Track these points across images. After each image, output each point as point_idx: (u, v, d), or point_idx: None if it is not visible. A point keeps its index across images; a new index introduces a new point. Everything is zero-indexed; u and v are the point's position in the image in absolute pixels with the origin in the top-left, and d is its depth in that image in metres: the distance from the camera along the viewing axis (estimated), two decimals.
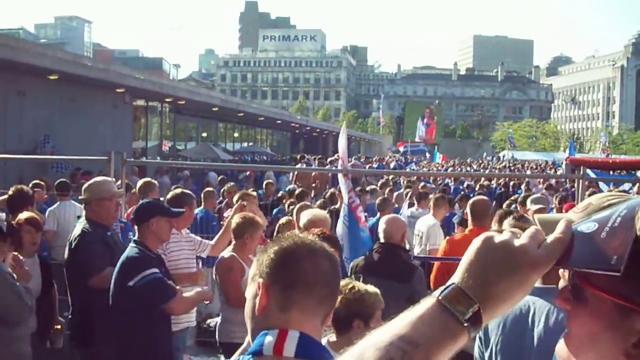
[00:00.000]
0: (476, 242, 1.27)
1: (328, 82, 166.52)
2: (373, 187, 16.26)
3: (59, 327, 6.44)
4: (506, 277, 1.21)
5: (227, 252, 6.36)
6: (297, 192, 12.57)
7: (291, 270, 2.06)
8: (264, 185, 16.87)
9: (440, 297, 1.22)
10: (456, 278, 1.24)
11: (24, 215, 6.42)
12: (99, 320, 5.60)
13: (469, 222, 7.48)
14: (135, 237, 5.55)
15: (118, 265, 5.28)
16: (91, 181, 6.45)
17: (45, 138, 21.22)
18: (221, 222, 11.57)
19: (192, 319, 6.72)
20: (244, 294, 2.25)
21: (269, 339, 1.98)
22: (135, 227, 5.72)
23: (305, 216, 6.62)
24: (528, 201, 9.49)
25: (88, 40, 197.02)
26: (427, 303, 1.24)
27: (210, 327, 8.87)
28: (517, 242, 1.22)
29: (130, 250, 5.37)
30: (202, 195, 11.65)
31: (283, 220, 7.57)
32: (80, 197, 6.66)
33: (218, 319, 8.71)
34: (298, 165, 24.54)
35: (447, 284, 1.26)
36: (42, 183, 11.30)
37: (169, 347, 5.55)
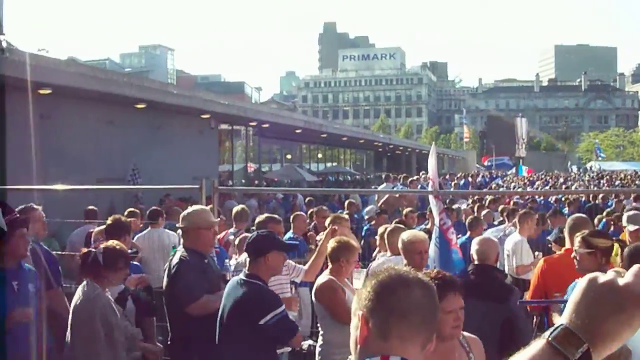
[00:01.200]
0: (581, 283, 1.35)
1: (409, 99, 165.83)
2: (458, 205, 16.00)
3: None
4: (613, 316, 1.28)
5: (324, 277, 6.37)
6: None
7: (386, 300, 2.18)
8: (345, 205, 16.77)
9: (550, 338, 1.31)
10: (564, 319, 1.33)
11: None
12: (197, 348, 5.64)
13: (566, 240, 7.25)
14: (248, 270, 5.53)
15: (242, 301, 5.31)
16: (189, 210, 6.51)
17: (135, 169, 21.56)
18: (310, 246, 11.56)
19: None
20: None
21: None
22: (247, 259, 5.68)
23: (405, 236, 6.61)
24: (624, 218, 9.12)
25: (171, 68, 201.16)
26: (537, 344, 1.32)
27: (303, 349, 8.88)
28: (621, 281, 1.29)
29: (253, 286, 5.37)
30: (291, 219, 11.59)
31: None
32: (177, 225, 6.74)
33: (309, 342, 8.73)
34: (383, 185, 24.41)
35: (556, 325, 1.34)
36: (137, 212, 11.48)
37: None
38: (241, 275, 5.48)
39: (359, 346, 2.18)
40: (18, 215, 5.20)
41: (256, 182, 39.21)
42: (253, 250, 5.56)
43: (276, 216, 7.27)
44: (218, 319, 5.41)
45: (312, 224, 12.69)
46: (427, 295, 2.25)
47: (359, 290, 2.31)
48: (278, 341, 5.46)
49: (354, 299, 2.30)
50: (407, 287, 2.21)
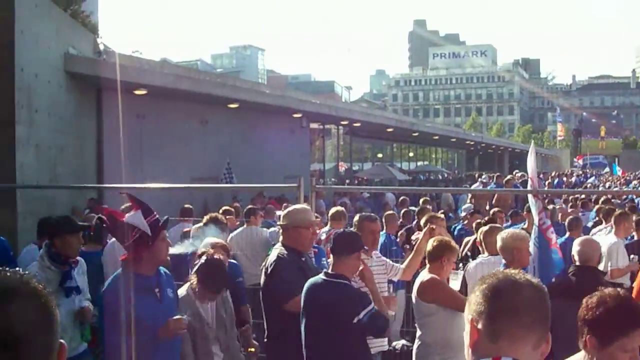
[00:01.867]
0: None
1: (501, 97, 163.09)
2: (553, 205, 15.53)
3: (252, 349, 6.68)
4: None
5: (426, 275, 6.32)
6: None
7: (495, 302, 2.15)
8: (420, 202, 16.48)
9: None
10: None
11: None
12: (293, 345, 5.60)
13: None
14: (332, 270, 5.52)
15: (334, 300, 5.32)
16: (290, 208, 6.51)
17: (228, 168, 21.74)
18: (405, 246, 11.36)
19: (385, 343, 6.74)
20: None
21: None
22: (331, 256, 5.74)
23: (504, 235, 6.60)
24: None
25: (262, 68, 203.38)
26: None
27: (396, 349, 8.83)
28: None
29: (342, 286, 5.40)
30: (383, 219, 11.39)
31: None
32: (278, 223, 6.71)
33: (403, 342, 8.58)
34: (476, 184, 23.98)
35: None
36: (233, 210, 11.50)
37: None
38: (322, 275, 5.48)
39: (470, 350, 2.20)
40: (157, 216, 4.90)
41: (347, 181, 39.18)
42: (340, 250, 5.52)
43: (372, 215, 7.11)
44: (303, 319, 5.40)
45: (414, 222, 12.51)
46: (538, 296, 2.20)
47: (469, 296, 2.29)
48: (371, 334, 5.59)
49: (466, 305, 2.29)
50: (517, 288, 2.18)
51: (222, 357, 5.86)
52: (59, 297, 5.37)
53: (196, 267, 5.66)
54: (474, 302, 2.21)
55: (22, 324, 1.50)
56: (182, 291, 5.74)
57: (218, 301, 5.90)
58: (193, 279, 5.68)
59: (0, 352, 1.48)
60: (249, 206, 11.87)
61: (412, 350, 6.62)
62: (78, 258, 6.31)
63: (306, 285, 5.52)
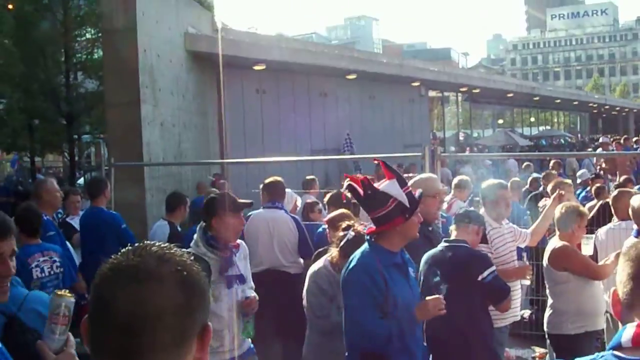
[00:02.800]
0: None
1: (624, 56, 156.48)
2: None
3: None
4: None
5: (557, 242, 6.26)
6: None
7: (629, 269, 2.07)
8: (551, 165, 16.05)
9: None
10: None
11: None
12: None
13: None
14: (456, 237, 5.67)
15: (459, 259, 5.38)
16: (417, 177, 6.43)
17: (347, 139, 21.77)
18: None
19: (517, 313, 6.63)
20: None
21: (627, 333, 1.99)
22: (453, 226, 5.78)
23: (637, 200, 6.31)
24: None
25: (377, 37, 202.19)
26: None
27: (524, 318, 8.69)
28: None
29: (465, 247, 5.52)
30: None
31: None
32: None
33: (529, 310, 8.38)
34: (600, 150, 23.11)
35: None
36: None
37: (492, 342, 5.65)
38: (444, 243, 5.57)
39: (617, 320, 2.14)
40: (410, 188, 4.44)
41: (467, 148, 38.62)
42: (463, 218, 5.69)
43: (503, 182, 6.92)
44: (420, 284, 5.24)
45: (540, 188, 12.22)
46: None
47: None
48: (492, 299, 5.48)
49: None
50: None
51: None
52: (218, 287, 4.97)
53: (343, 242, 5.33)
54: (618, 275, 2.14)
55: (148, 309, 1.45)
56: (318, 265, 5.73)
57: None
58: (334, 252, 5.49)
59: (124, 335, 1.45)
60: (365, 176, 11.81)
61: (539, 318, 6.55)
62: (239, 241, 5.44)
63: (425, 256, 5.54)
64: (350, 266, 4.36)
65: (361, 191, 4.31)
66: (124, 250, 1.58)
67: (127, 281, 1.48)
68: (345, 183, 4.48)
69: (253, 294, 5.35)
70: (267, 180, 7.87)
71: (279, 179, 7.84)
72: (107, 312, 1.47)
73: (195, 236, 5.22)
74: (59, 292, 2.60)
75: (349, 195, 5.55)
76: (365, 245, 4.39)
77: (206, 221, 5.17)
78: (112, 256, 1.57)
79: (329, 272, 5.54)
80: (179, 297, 1.48)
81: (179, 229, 8.49)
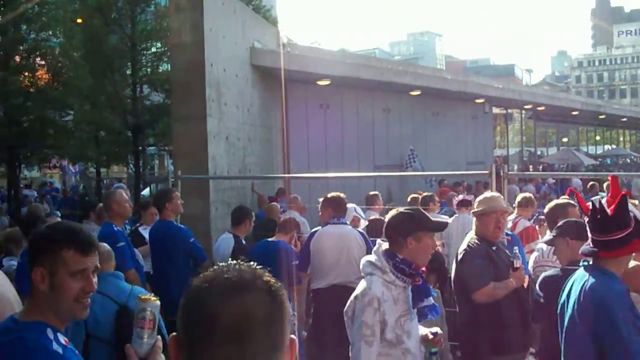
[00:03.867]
0: None
1: None
2: None
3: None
4: None
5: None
6: None
7: None
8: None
9: None
10: None
11: None
12: (485, 333, 5.57)
13: None
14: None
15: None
16: (482, 196, 6.35)
17: (411, 154, 21.68)
18: None
19: None
20: None
21: None
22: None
23: None
24: None
25: (440, 53, 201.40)
26: None
27: None
28: None
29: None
30: None
31: None
32: (472, 211, 6.56)
33: None
34: None
35: None
36: (418, 197, 11.37)
37: None
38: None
39: None
40: None
41: (530, 166, 38.12)
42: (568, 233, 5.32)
43: (572, 201, 6.76)
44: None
45: None
46: None
47: None
48: None
49: None
50: None
51: None
52: (408, 321, 4.29)
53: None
54: None
55: (253, 317, 1.52)
56: None
57: None
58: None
59: (232, 343, 1.50)
60: (425, 193, 11.67)
61: None
62: None
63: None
64: (599, 295, 3.86)
65: (610, 209, 3.89)
66: (214, 267, 1.63)
67: (231, 293, 1.54)
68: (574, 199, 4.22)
69: (436, 327, 4.61)
70: (329, 195, 7.79)
71: (341, 194, 7.78)
72: (214, 324, 1.51)
73: (370, 259, 4.48)
74: (143, 297, 2.61)
75: None
76: (593, 270, 4.01)
77: (395, 241, 4.41)
78: (202, 273, 1.62)
79: None
80: (273, 307, 1.56)
81: (244, 242, 8.51)
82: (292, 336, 1.62)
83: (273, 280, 1.61)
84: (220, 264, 1.64)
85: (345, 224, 7.63)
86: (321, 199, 7.86)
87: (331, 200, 7.72)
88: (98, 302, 4.95)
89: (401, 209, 4.63)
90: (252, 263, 1.65)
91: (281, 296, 1.59)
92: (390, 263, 4.33)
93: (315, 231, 7.57)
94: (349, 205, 8.57)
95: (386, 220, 4.57)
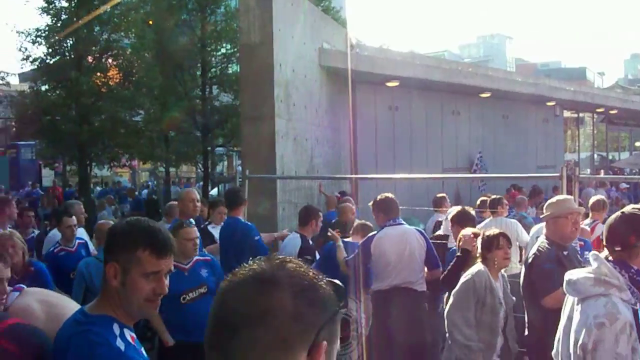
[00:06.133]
0: None
1: None
2: None
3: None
4: None
5: None
6: None
7: None
8: None
9: None
10: None
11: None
12: (552, 340, 5.34)
13: None
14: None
15: None
16: (553, 199, 6.15)
17: (480, 158, 21.43)
18: None
19: None
20: None
21: None
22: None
23: None
24: None
25: (510, 56, 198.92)
26: None
27: None
28: None
29: None
30: None
31: None
32: (541, 216, 6.39)
33: None
34: None
35: None
36: (486, 199, 11.17)
37: None
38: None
39: None
40: None
41: (601, 171, 37.31)
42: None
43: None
44: None
45: None
46: None
47: None
48: None
49: None
50: None
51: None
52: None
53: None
54: None
55: (257, 305, 1.45)
56: (479, 266, 5.83)
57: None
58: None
59: (233, 330, 1.45)
60: (494, 196, 11.45)
61: None
62: None
63: None
64: None
65: None
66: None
67: (239, 283, 1.50)
68: None
69: None
70: (378, 199, 7.62)
71: (389, 195, 7.63)
72: (213, 311, 1.50)
73: (595, 275, 3.65)
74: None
75: None
76: None
77: (629, 248, 3.60)
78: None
79: (485, 272, 5.76)
80: (288, 303, 1.45)
81: (311, 242, 8.45)
82: (324, 342, 1.47)
83: (303, 278, 1.50)
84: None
85: (402, 224, 7.49)
86: (370, 203, 7.73)
87: (381, 204, 7.56)
88: (94, 264, 6.67)
89: (630, 207, 3.84)
90: (289, 258, 1.56)
91: (308, 295, 1.48)
92: (626, 276, 3.55)
93: (373, 235, 7.46)
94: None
95: (611, 222, 3.76)
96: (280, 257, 1.56)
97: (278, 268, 1.51)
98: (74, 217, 8.03)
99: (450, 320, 5.77)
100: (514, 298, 6.14)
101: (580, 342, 3.56)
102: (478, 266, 5.87)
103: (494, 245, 5.88)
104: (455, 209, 8.22)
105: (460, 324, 5.69)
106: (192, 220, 6.32)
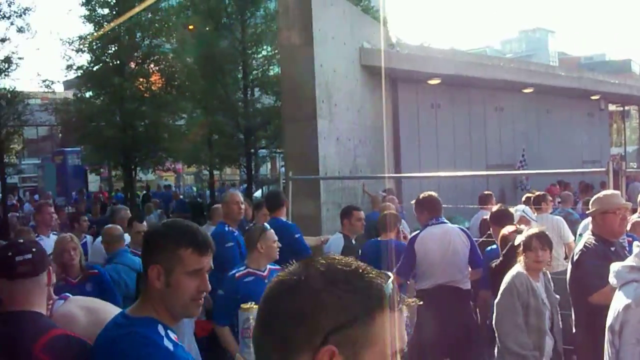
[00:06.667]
0: None
1: None
2: None
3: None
4: None
5: None
6: None
7: None
8: None
9: None
10: None
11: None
12: (601, 337, 5.25)
13: None
14: None
15: None
16: (599, 194, 6.07)
17: (524, 154, 21.22)
18: None
19: None
20: None
21: None
22: None
23: None
24: None
25: (552, 50, 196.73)
26: None
27: None
28: None
29: None
30: None
31: None
32: (587, 212, 6.31)
33: None
34: None
35: None
36: (531, 195, 11.06)
37: None
38: None
39: None
40: None
41: None
42: None
43: None
44: None
45: None
46: None
47: None
48: None
49: None
50: None
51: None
52: None
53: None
54: None
55: (270, 305, 1.47)
56: (517, 268, 5.68)
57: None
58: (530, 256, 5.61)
59: (260, 335, 1.48)
60: (537, 192, 11.31)
61: None
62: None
63: None
64: None
65: None
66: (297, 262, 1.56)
67: (288, 290, 1.46)
68: None
69: None
70: (421, 197, 7.56)
71: (433, 193, 7.57)
72: (267, 321, 1.48)
73: (631, 263, 3.95)
74: (245, 306, 2.57)
75: None
76: None
77: None
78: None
79: (523, 274, 5.61)
80: (293, 303, 1.43)
81: (354, 242, 8.44)
82: (334, 349, 1.39)
83: (328, 278, 1.45)
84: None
85: (445, 222, 7.43)
86: (413, 202, 7.68)
87: (425, 203, 7.51)
88: (123, 271, 6.83)
89: None
90: (345, 259, 1.51)
91: (322, 295, 1.42)
92: None
93: (416, 235, 7.41)
94: (518, 207, 8.57)
95: None
96: (325, 258, 1.52)
97: (304, 268, 1.49)
98: (144, 223, 8.08)
99: (502, 330, 5.63)
100: (557, 297, 6.03)
101: (608, 324, 3.81)
102: (516, 268, 5.72)
103: (527, 247, 5.69)
104: (493, 209, 8.14)
105: (513, 331, 5.55)
106: (266, 224, 6.29)
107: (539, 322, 5.55)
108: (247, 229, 6.50)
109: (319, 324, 1.40)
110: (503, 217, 7.50)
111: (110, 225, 7.70)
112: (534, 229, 5.91)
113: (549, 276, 6.01)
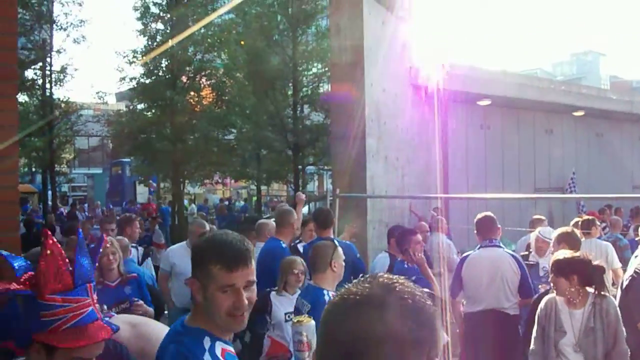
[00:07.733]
0: None
1: None
2: None
3: None
4: None
5: None
6: None
7: None
8: None
9: None
10: None
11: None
12: None
13: None
14: None
15: None
16: None
17: (573, 178, 20.98)
18: None
19: None
20: None
21: None
22: None
23: None
24: None
25: (604, 73, 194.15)
26: None
27: None
28: None
29: None
30: None
31: None
32: (637, 238, 6.26)
33: None
34: None
35: None
36: (579, 219, 10.93)
37: None
38: None
39: None
40: None
41: None
42: None
43: None
44: None
45: None
46: None
47: None
48: None
49: None
50: None
51: None
52: None
53: None
54: None
55: (375, 332, 1.45)
56: (548, 296, 5.52)
57: None
58: None
59: (353, 358, 1.45)
60: (586, 217, 11.15)
61: None
62: None
63: None
64: None
65: None
66: (356, 280, 1.59)
67: (352, 308, 1.49)
68: None
69: None
70: (479, 217, 7.57)
71: (490, 214, 7.54)
72: (332, 338, 1.51)
73: None
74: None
75: None
76: None
77: None
78: (345, 286, 1.59)
79: None
80: (403, 326, 1.45)
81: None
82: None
83: (411, 297, 1.51)
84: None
85: (498, 246, 7.39)
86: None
87: (477, 224, 7.51)
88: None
89: None
90: (398, 278, 1.57)
91: (420, 315, 1.49)
92: None
93: (467, 256, 7.40)
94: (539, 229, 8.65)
95: None
96: (386, 277, 1.57)
97: (388, 291, 1.51)
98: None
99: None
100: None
101: None
102: (549, 295, 5.52)
103: (559, 272, 5.29)
104: (560, 230, 7.97)
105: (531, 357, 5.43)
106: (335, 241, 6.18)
107: (544, 348, 5.37)
108: (313, 245, 6.26)
109: (425, 342, 1.47)
110: (571, 240, 7.35)
111: (119, 237, 7.70)
112: (565, 254, 5.53)
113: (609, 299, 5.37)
